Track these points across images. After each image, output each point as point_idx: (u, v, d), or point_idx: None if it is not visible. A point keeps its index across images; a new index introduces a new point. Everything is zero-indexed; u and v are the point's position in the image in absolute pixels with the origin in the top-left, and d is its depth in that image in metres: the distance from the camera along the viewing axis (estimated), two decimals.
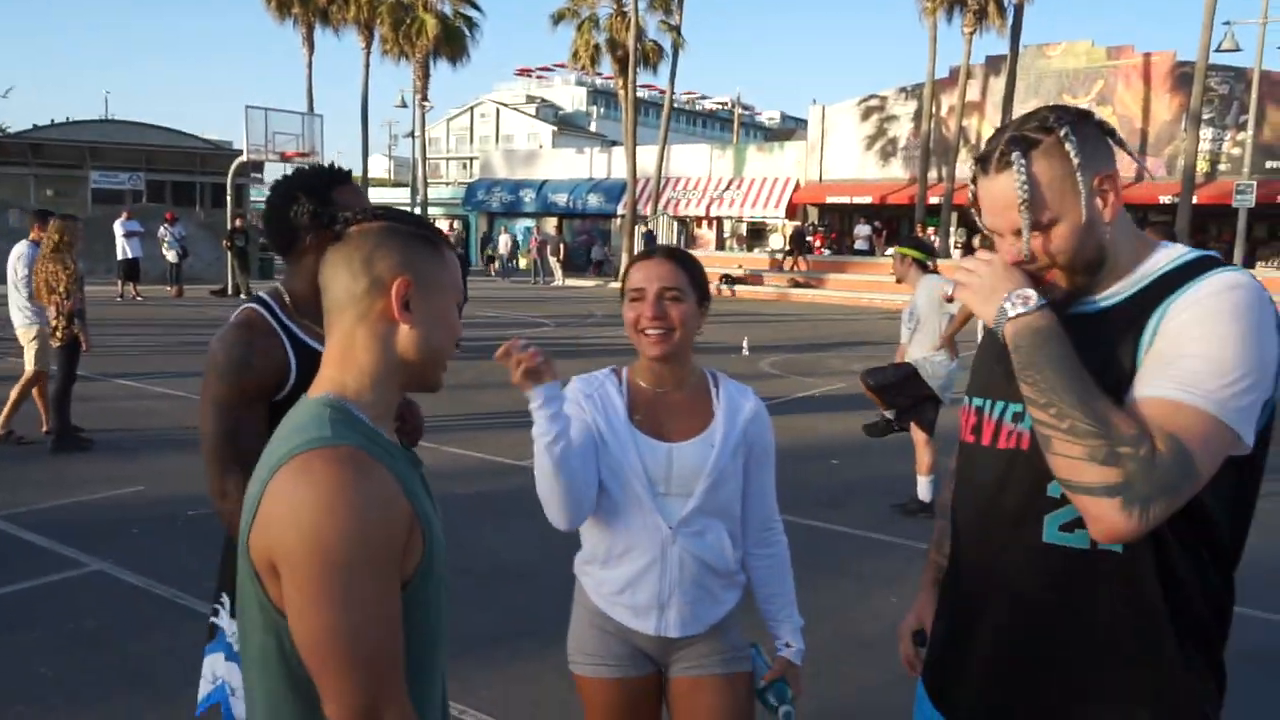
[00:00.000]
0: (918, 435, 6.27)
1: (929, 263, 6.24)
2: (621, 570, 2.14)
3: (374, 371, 1.30)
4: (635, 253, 2.14)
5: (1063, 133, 1.44)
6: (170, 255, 22.21)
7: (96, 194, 28.03)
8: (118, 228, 20.94)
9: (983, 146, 1.55)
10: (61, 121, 32.28)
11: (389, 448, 1.28)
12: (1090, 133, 1.47)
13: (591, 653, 2.18)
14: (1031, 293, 1.45)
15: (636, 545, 2.12)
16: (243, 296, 21.81)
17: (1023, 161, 1.45)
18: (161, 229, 22.31)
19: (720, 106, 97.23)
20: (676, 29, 33.39)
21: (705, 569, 2.13)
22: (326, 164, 2.27)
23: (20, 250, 7.94)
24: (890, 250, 29.61)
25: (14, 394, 7.87)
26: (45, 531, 5.63)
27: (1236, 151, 27.35)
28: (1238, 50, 23.36)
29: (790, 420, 9.28)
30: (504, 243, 36.26)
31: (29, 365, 7.88)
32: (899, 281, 6.24)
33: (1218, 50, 23.66)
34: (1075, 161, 1.43)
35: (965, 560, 1.64)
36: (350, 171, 2.28)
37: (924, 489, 6.25)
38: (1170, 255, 1.50)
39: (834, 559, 5.50)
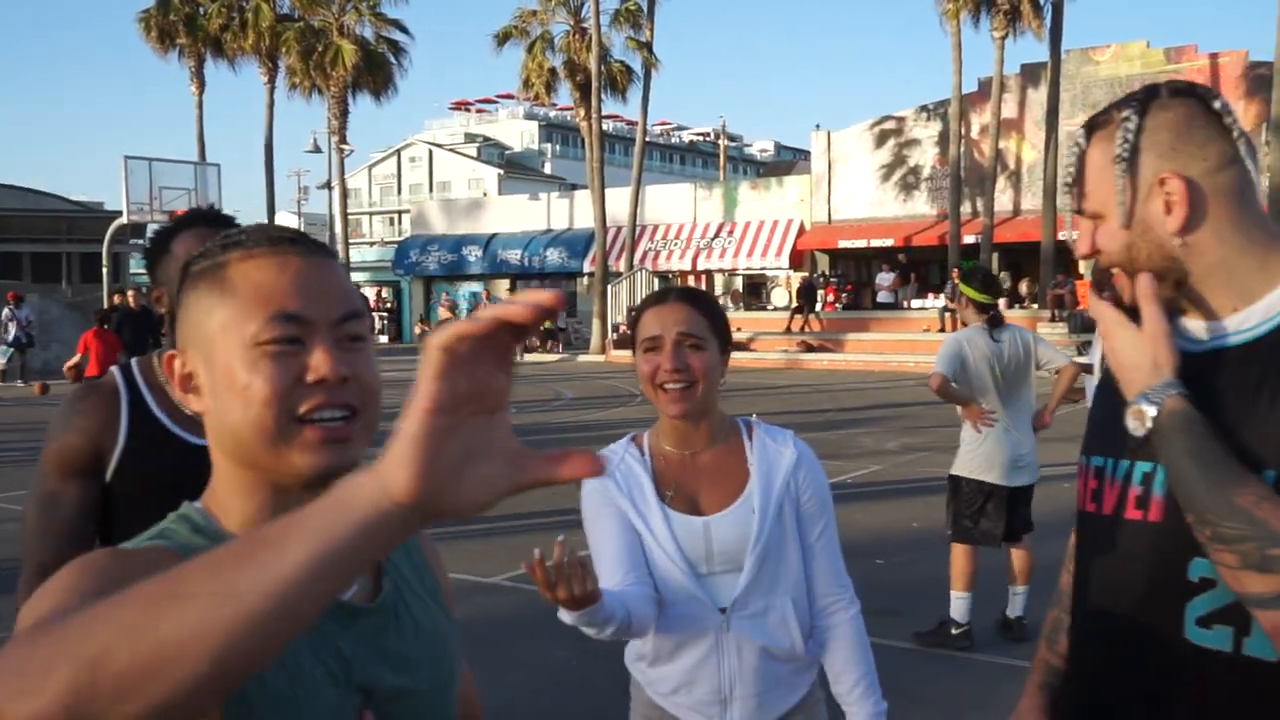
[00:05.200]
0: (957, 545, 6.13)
1: (992, 306, 6.12)
2: (675, 666, 2.29)
3: (221, 474, 1.19)
4: (639, 303, 2.23)
5: (1123, 115, 1.50)
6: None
7: None
8: None
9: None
10: None
11: None
12: (1178, 119, 1.49)
13: None
14: (1158, 384, 1.45)
15: (688, 637, 2.27)
16: None
17: (1080, 142, 1.56)
18: (5, 311, 22.22)
19: (702, 138, 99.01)
20: (648, 47, 34.05)
21: (768, 656, 2.27)
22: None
23: None
24: (922, 301, 29.88)
25: None
26: None
27: None
28: None
29: None
30: (443, 313, 36.42)
31: None
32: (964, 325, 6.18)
33: None
34: (1115, 152, 1.49)
35: (1092, 660, 1.63)
36: (211, 211, 2.43)
37: (960, 607, 6.09)
38: None
39: (897, 680, 5.37)
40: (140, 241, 31.37)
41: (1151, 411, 1.43)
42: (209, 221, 2.32)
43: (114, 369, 2.31)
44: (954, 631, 6.01)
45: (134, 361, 2.31)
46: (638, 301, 25.49)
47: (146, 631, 0.75)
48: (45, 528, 2.17)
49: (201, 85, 37.61)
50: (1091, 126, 1.56)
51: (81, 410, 2.22)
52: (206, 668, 0.75)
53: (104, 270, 23.71)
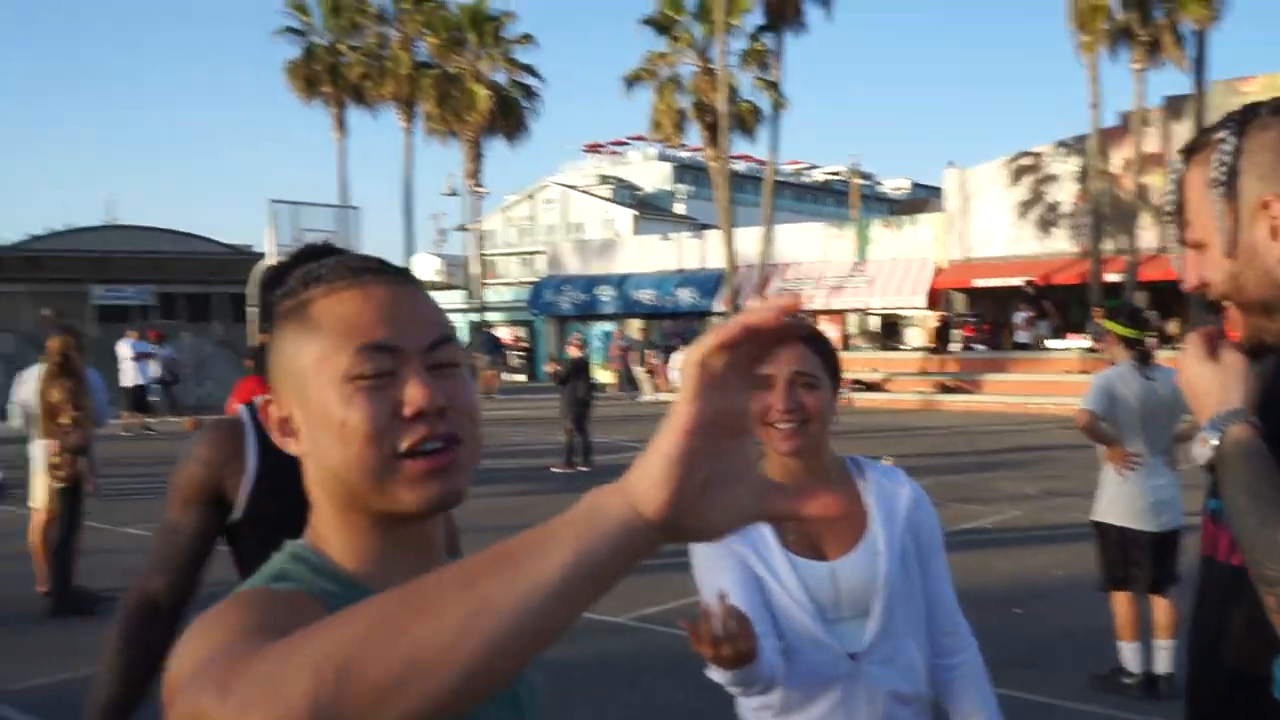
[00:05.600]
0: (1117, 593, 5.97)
1: (1139, 342, 5.90)
2: (804, 716, 2.22)
3: (325, 514, 1.17)
4: None
5: (1218, 137, 1.42)
6: (135, 379, 22.32)
7: (101, 311, 29.40)
8: (124, 349, 21.82)
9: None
10: (61, 230, 34.22)
11: None
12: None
13: None
14: (1225, 412, 1.37)
15: (817, 686, 2.20)
16: None
17: (1179, 168, 1.49)
18: (149, 350, 23.22)
19: (834, 177, 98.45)
20: (775, 86, 34.12)
21: (896, 701, 2.23)
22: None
23: (33, 372, 8.38)
24: (1063, 341, 29.10)
25: (37, 545, 8.21)
26: (43, 713, 5.68)
27: None
28: None
29: (956, 558, 9.06)
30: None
31: (38, 505, 8.29)
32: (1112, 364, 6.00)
33: None
34: (1211, 175, 1.42)
35: (1201, 708, 1.59)
36: (324, 247, 2.49)
37: (1130, 657, 5.91)
38: None
39: None
40: None
41: (1214, 439, 1.36)
42: (322, 258, 2.37)
43: (241, 405, 2.40)
44: (1125, 680, 5.83)
45: (260, 397, 2.39)
46: None
47: (398, 644, 0.75)
48: (160, 556, 2.28)
49: (343, 131, 38.99)
50: (1189, 151, 1.48)
51: (205, 441, 2.31)
52: (458, 680, 0.75)
53: (249, 310, 24.62)
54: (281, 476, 2.28)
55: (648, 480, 0.76)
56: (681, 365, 0.78)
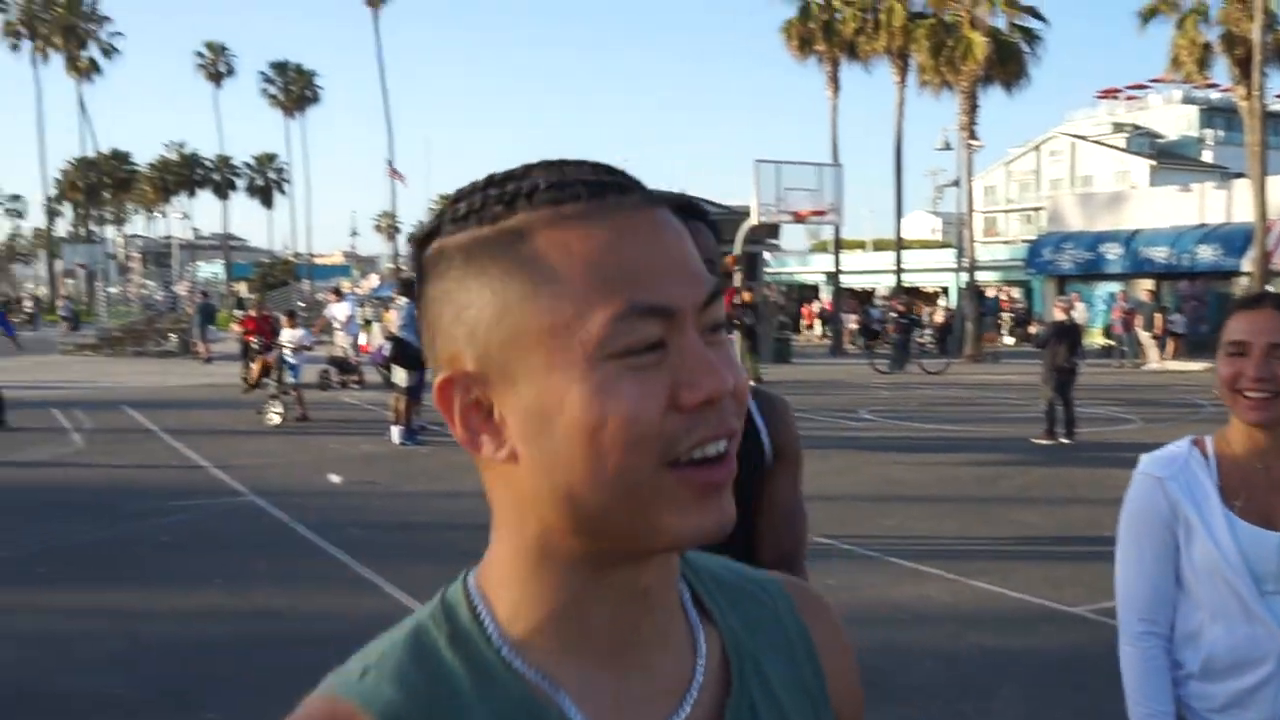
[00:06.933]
0: None
1: None
2: (1226, 686, 2.26)
3: (509, 546, 0.82)
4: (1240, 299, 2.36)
5: None
6: None
7: None
8: None
9: None
10: None
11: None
12: None
13: None
14: None
15: (1245, 659, 2.24)
16: (752, 384, 23.10)
17: None
18: None
19: None
20: None
21: None
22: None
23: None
24: None
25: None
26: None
27: None
28: None
29: None
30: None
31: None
32: None
33: None
34: None
35: None
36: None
37: None
38: None
39: None
40: (774, 241, 33.20)
41: None
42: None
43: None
44: None
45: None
46: None
47: None
48: None
49: (836, 88, 39.12)
50: None
51: None
52: None
53: (736, 268, 25.44)
54: None
55: None
56: None
